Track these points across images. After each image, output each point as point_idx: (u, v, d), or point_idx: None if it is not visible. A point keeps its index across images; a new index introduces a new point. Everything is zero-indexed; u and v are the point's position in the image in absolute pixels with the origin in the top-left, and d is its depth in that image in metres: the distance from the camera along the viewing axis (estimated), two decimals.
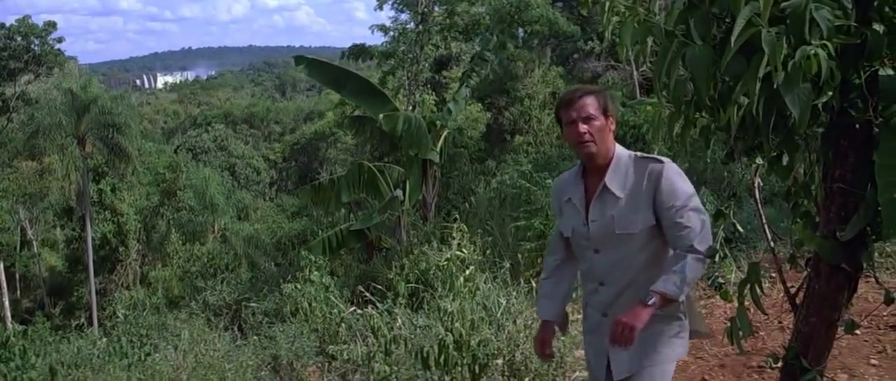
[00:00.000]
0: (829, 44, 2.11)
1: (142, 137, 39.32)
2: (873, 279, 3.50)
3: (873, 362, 5.39)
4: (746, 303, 3.06)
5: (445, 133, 20.59)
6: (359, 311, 7.92)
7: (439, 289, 8.07)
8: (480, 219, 16.04)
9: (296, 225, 36.84)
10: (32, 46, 35.69)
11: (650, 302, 3.00)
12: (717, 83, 2.48)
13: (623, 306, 3.20)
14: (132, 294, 30.66)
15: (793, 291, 3.18)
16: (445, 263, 8.59)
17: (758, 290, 3.03)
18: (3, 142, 34.91)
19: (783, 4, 2.18)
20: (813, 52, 2.09)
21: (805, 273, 3.03)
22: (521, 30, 28.96)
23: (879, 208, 2.42)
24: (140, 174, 37.26)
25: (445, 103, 21.95)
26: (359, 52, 26.17)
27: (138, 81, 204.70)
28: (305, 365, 7.77)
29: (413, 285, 9.63)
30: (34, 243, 36.47)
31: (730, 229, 4.07)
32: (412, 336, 6.41)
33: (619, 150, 3.31)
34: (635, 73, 27.67)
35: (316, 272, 11.84)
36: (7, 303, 32.48)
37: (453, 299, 6.65)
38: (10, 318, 31.06)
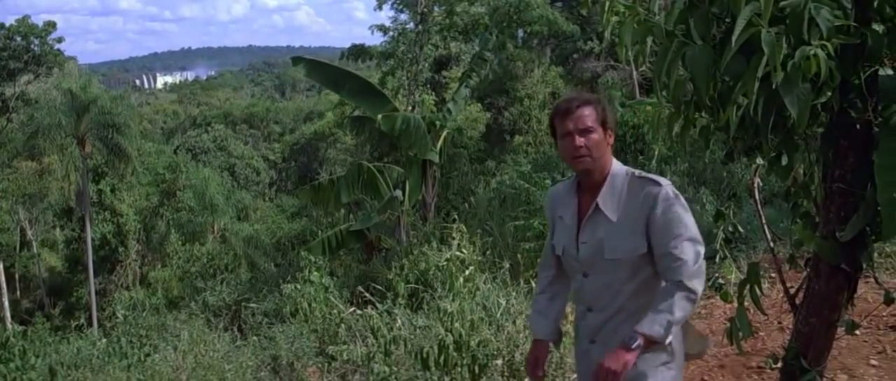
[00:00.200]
0: (828, 44, 2.11)
1: (141, 137, 39.29)
2: (873, 280, 3.49)
3: (873, 362, 5.38)
4: (746, 303, 3.06)
5: (445, 133, 20.58)
6: (358, 311, 7.91)
7: (439, 289, 8.07)
8: (480, 219, 16.03)
9: (295, 225, 36.82)
10: (32, 46, 35.67)
11: (634, 345, 2.83)
12: (717, 83, 2.48)
13: (610, 334, 3.05)
14: (132, 295, 30.62)
15: (792, 291, 3.18)
16: (445, 263, 8.59)
17: (757, 290, 3.03)
18: (2, 142, 34.88)
19: (783, 4, 2.18)
20: (812, 52, 2.09)
21: (805, 274, 3.03)
22: (520, 30, 28.94)
23: (879, 208, 2.42)
24: (140, 175, 37.25)
25: (445, 103, 21.95)
26: (358, 52, 26.17)
27: (138, 82, 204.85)
28: (305, 366, 7.77)
29: (413, 285, 9.63)
30: (34, 243, 36.46)
31: (730, 230, 4.07)
32: (412, 337, 6.40)
33: (617, 166, 3.07)
34: (635, 73, 27.69)
35: (315, 273, 11.85)
36: (7, 303, 32.44)
37: (453, 300, 6.65)
38: (9, 318, 31.02)
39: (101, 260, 34.31)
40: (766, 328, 6.13)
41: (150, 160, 39.82)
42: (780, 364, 3.07)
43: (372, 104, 19.10)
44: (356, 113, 23.23)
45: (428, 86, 26.89)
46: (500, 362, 5.55)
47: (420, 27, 22.00)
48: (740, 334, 3.09)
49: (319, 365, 7.50)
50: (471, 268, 8.07)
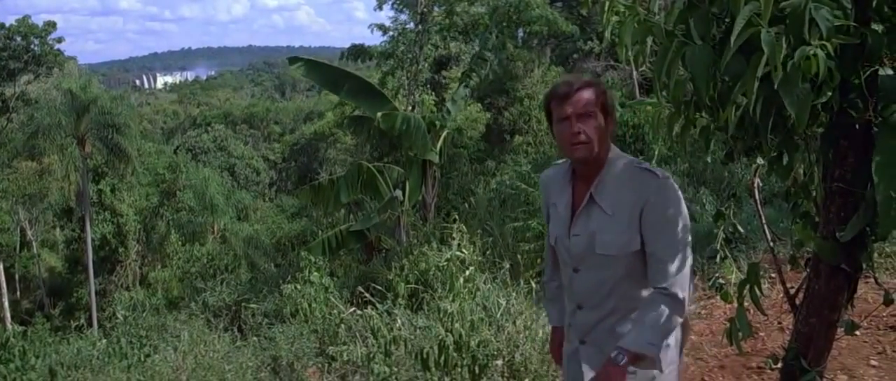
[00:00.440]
0: (828, 44, 2.10)
1: (141, 137, 39.30)
2: (873, 280, 3.49)
3: (873, 363, 5.38)
4: (746, 304, 3.06)
5: (445, 133, 20.58)
6: (358, 312, 7.91)
7: (439, 290, 8.07)
8: (480, 219, 16.04)
9: (295, 226, 36.85)
10: (32, 46, 35.68)
11: (622, 363, 2.63)
12: (717, 83, 2.48)
13: (604, 335, 2.88)
14: (132, 295, 30.65)
15: (792, 291, 3.18)
16: (445, 263, 8.57)
17: (757, 291, 3.03)
18: (2, 142, 34.88)
19: (782, 4, 2.18)
20: (812, 52, 2.09)
21: (805, 274, 3.03)
22: (520, 30, 28.93)
23: (878, 207, 2.42)
24: (140, 175, 37.27)
25: (445, 104, 21.94)
26: (358, 52, 26.14)
27: (138, 82, 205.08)
28: (305, 366, 7.77)
29: (413, 285, 9.64)
30: (34, 243, 36.47)
31: (730, 230, 4.07)
32: (412, 337, 6.41)
33: (615, 154, 2.86)
34: (635, 73, 27.66)
35: (315, 273, 11.86)
36: (7, 304, 32.44)
37: (453, 300, 6.65)
38: (9, 319, 31.03)
39: (101, 260, 34.32)
40: (767, 329, 6.13)
41: (150, 160, 39.85)
42: (780, 365, 3.06)
43: (371, 104, 19.08)
44: (356, 113, 23.24)
45: (428, 86, 26.90)
46: (500, 362, 5.55)
47: (420, 27, 21.99)
48: (740, 334, 3.08)
49: (319, 366, 7.50)
50: (471, 268, 8.07)
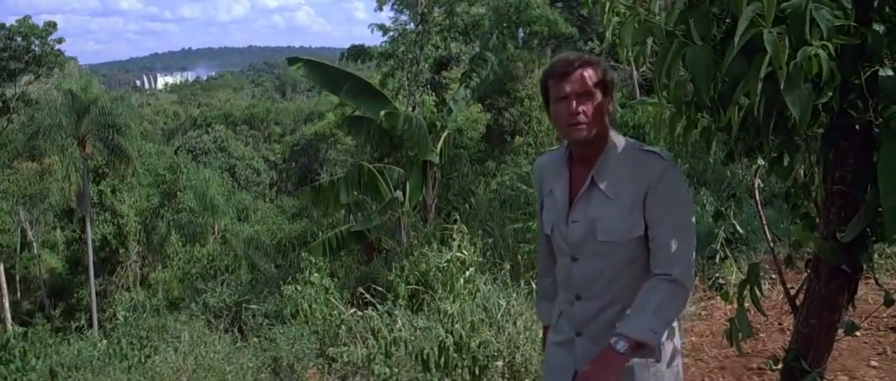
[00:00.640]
0: (829, 44, 2.10)
1: (142, 138, 39.31)
2: (873, 281, 3.49)
3: (873, 364, 5.38)
4: (746, 304, 3.06)
5: (445, 134, 20.57)
6: (359, 313, 7.92)
7: (439, 291, 8.08)
8: (480, 220, 16.05)
9: (296, 227, 36.86)
10: (33, 47, 35.70)
11: (621, 349, 2.49)
12: (718, 84, 2.48)
13: (603, 327, 2.71)
14: (132, 296, 30.67)
15: (793, 292, 3.17)
16: (445, 264, 8.59)
17: (758, 291, 3.03)
18: (3, 143, 34.88)
19: (783, 5, 2.18)
20: (813, 52, 2.08)
21: (805, 275, 3.03)
22: (520, 30, 28.92)
23: (880, 210, 2.42)
24: (140, 176, 37.27)
25: (445, 104, 21.94)
26: (358, 52, 26.13)
27: (138, 82, 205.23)
28: (305, 367, 7.77)
29: (413, 286, 9.66)
30: (34, 244, 36.47)
31: (730, 230, 4.07)
32: (412, 338, 6.41)
33: (615, 136, 2.74)
34: (635, 73, 27.64)
35: (316, 274, 11.88)
36: (7, 305, 32.47)
37: (453, 301, 6.66)
38: (10, 320, 31.05)
39: (101, 261, 34.35)
40: (767, 330, 6.13)
41: (150, 161, 39.84)
42: (780, 366, 3.06)
43: (371, 105, 19.05)
44: (356, 113, 23.23)
45: (428, 87, 26.91)
46: (500, 363, 5.55)
47: (420, 28, 22.00)
48: (740, 335, 3.08)
49: (320, 367, 7.50)
50: (471, 269, 8.08)
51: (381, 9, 26.42)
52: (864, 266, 2.83)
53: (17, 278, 37.49)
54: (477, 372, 5.45)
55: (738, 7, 2.17)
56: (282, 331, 9.68)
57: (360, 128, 20.89)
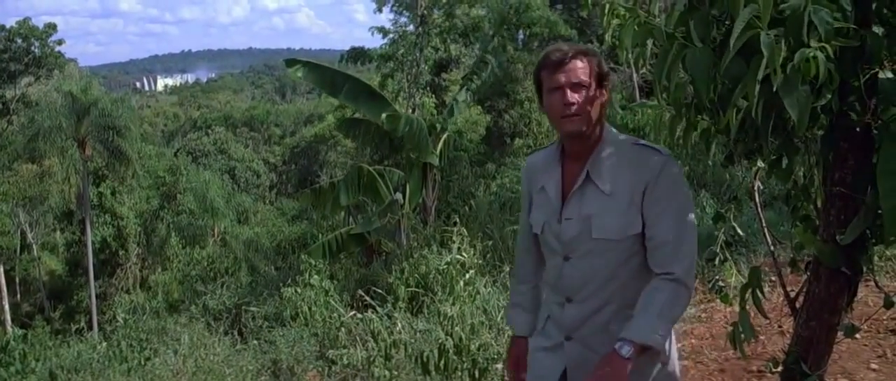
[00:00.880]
0: (827, 46, 2.10)
1: (142, 140, 39.30)
2: (873, 283, 3.49)
3: (873, 366, 5.38)
4: (748, 307, 3.05)
5: (445, 136, 20.58)
6: (359, 315, 7.92)
7: (439, 293, 8.09)
8: (480, 222, 16.04)
9: (296, 229, 36.88)
10: (33, 49, 35.73)
11: (627, 355, 2.36)
12: (717, 86, 2.47)
13: (596, 331, 2.62)
14: (132, 298, 30.64)
15: (793, 295, 3.17)
16: (445, 266, 8.59)
17: (759, 294, 3.02)
18: (3, 144, 34.91)
19: (782, 6, 2.18)
20: (812, 54, 2.08)
21: (805, 277, 3.02)
22: (520, 32, 28.94)
23: (879, 212, 2.42)
24: (140, 178, 37.26)
25: (445, 106, 21.95)
26: (358, 54, 26.15)
27: (138, 84, 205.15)
28: (305, 370, 7.78)
29: (413, 289, 9.65)
30: (34, 246, 36.45)
31: (730, 233, 4.06)
32: (412, 341, 6.41)
33: (610, 131, 2.66)
34: (635, 75, 27.64)
35: (316, 276, 11.89)
36: (7, 307, 32.46)
37: (453, 303, 6.66)
38: (10, 322, 31.04)
39: (101, 263, 34.34)
40: (767, 332, 6.12)
41: (150, 163, 39.84)
42: (780, 368, 3.05)
43: (371, 107, 19.04)
44: (355, 116, 23.23)
45: (428, 88, 26.92)
46: (500, 365, 5.55)
47: (420, 29, 22.01)
48: (743, 337, 3.07)
49: (320, 369, 7.51)
50: (471, 271, 8.08)
51: (380, 10, 26.47)
52: (864, 269, 2.82)
53: (17, 280, 37.46)
54: (477, 375, 5.45)
55: (736, 9, 2.17)
56: (281, 333, 9.68)
57: (358, 130, 20.86)
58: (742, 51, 2.19)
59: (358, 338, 7.22)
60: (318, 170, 47.82)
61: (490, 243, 12.28)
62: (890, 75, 2.26)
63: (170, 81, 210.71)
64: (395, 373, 5.89)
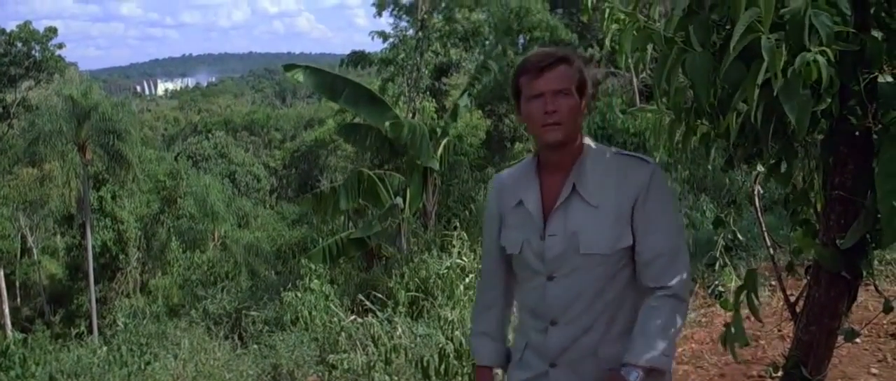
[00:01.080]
0: (828, 50, 2.10)
1: (142, 144, 39.29)
2: (873, 287, 3.48)
3: (873, 370, 5.37)
4: (746, 312, 3.05)
5: (446, 141, 20.59)
6: (359, 320, 7.92)
7: (439, 297, 8.09)
8: (481, 227, 16.01)
9: (296, 233, 36.86)
10: (33, 52, 35.77)
11: (634, 380, 2.27)
12: (717, 90, 2.47)
13: (584, 356, 2.45)
14: (132, 302, 30.67)
15: (793, 299, 3.17)
16: (446, 271, 8.59)
17: (755, 298, 3.02)
18: (3, 148, 34.93)
19: (782, 11, 2.18)
20: (812, 58, 2.08)
21: (805, 281, 3.02)
22: (521, 37, 28.98)
23: (879, 216, 2.42)
24: (140, 182, 37.23)
25: (445, 111, 21.97)
26: (358, 59, 26.21)
27: (139, 88, 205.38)
28: (305, 374, 7.78)
29: (413, 293, 9.64)
30: (34, 250, 36.44)
31: (730, 237, 4.06)
32: (412, 345, 6.41)
33: (590, 142, 2.52)
34: (635, 79, 27.65)
35: (316, 281, 11.89)
36: (7, 311, 32.42)
37: (454, 308, 6.66)
38: (10, 326, 31.01)
39: (101, 267, 34.32)
40: (767, 337, 6.12)
41: (150, 167, 39.84)
42: (780, 373, 3.05)
43: (371, 111, 19.05)
44: (355, 120, 23.24)
45: (428, 93, 26.95)
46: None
47: (420, 34, 22.03)
48: (737, 341, 3.07)
49: (320, 374, 7.51)
50: (471, 276, 8.08)
51: (380, 15, 26.52)
52: (864, 273, 2.82)
53: (17, 284, 37.44)
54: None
55: (737, 13, 2.17)
56: (282, 338, 9.68)
57: (358, 135, 20.86)
58: (742, 55, 2.19)
59: (358, 343, 7.22)
60: (318, 174, 47.81)
61: None
62: (889, 79, 2.26)
63: (170, 85, 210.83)
64: (396, 378, 5.88)
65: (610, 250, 2.39)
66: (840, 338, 2.92)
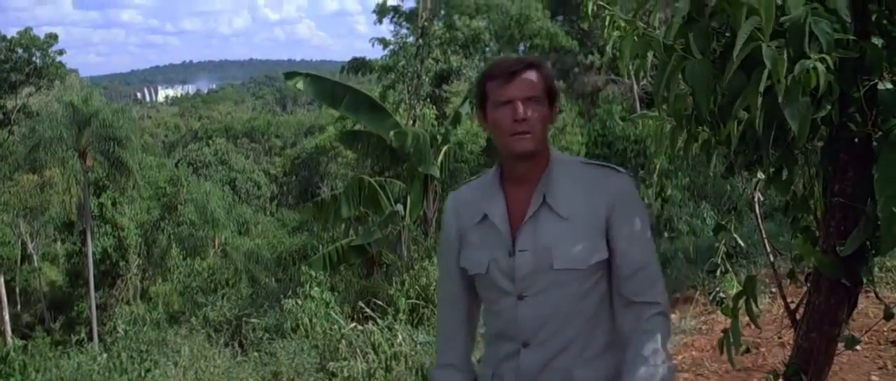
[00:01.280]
0: (828, 57, 2.10)
1: (143, 150, 39.34)
2: (873, 294, 3.48)
3: (874, 378, 5.37)
4: (746, 319, 3.05)
5: (446, 148, 20.59)
6: (359, 327, 7.92)
7: None
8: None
9: (296, 240, 36.85)
10: (34, 59, 35.87)
11: None
12: (717, 97, 2.48)
13: (555, 378, 2.31)
14: (132, 309, 30.62)
15: (793, 306, 3.17)
16: None
17: (754, 304, 3.02)
18: (4, 155, 34.95)
19: (782, 18, 2.18)
20: (812, 65, 2.09)
21: (805, 288, 3.02)
22: (522, 44, 29.01)
23: (879, 223, 2.42)
24: (141, 188, 37.23)
25: (446, 118, 21.97)
26: (359, 66, 26.21)
27: (139, 95, 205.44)
28: None
29: (414, 300, 9.64)
30: (35, 257, 36.43)
31: (730, 244, 4.06)
32: (413, 353, 6.40)
33: (557, 152, 2.40)
34: (636, 86, 27.75)
35: (316, 288, 11.87)
36: (7, 317, 32.41)
37: None
38: (10, 333, 30.97)
39: (101, 274, 34.28)
40: (767, 344, 6.11)
41: (151, 174, 39.86)
42: (780, 380, 3.05)
43: (371, 119, 19.05)
44: (355, 128, 23.23)
45: (428, 100, 26.97)
46: None
47: (420, 41, 22.05)
48: (733, 346, 3.07)
49: None
50: None
51: (381, 22, 26.56)
52: (865, 280, 2.82)
53: (17, 290, 37.42)
54: None
55: (737, 21, 2.18)
56: (282, 345, 9.66)
57: (359, 142, 20.86)
58: (743, 63, 2.20)
59: (358, 350, 7.21)
60: (318, 181, 47.83)
61: None
62: (889, 86, 2.27)
63: (171, 92, 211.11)
64: None
65: (585, 265, 2.27)
66: (840, 345, 2.92)
